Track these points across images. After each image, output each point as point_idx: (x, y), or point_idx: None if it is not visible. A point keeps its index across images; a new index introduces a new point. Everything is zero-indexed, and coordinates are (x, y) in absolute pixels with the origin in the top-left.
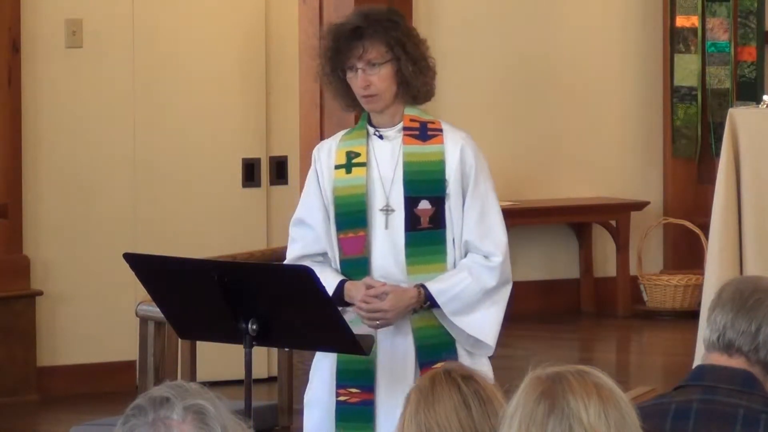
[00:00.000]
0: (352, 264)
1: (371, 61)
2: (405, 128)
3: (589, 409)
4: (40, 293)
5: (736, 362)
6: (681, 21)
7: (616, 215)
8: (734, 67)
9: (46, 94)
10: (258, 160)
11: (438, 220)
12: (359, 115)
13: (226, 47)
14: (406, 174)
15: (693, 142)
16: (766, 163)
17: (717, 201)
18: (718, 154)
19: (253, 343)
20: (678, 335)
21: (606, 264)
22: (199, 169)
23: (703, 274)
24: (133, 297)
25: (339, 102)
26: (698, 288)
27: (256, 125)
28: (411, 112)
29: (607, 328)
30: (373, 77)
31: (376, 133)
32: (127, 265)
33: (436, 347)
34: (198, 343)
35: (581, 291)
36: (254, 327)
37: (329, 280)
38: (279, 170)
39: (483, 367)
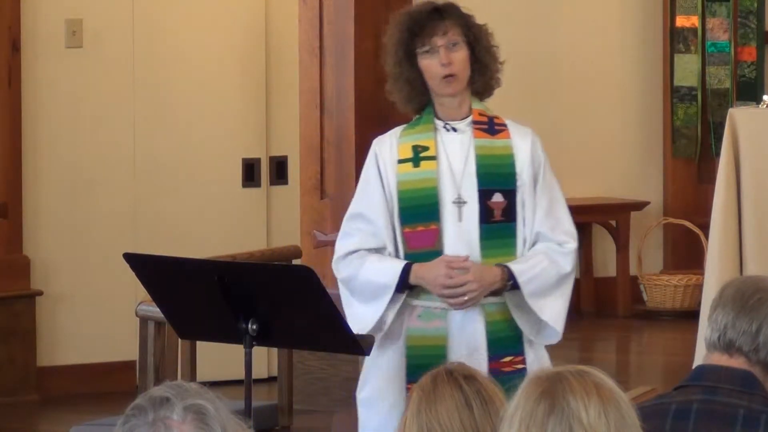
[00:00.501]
0: (421, 258)
1: (452, 41)
2: (474, 122)
3: (589, 409)
4: (40, 293)
5: (737, 362)
6: (681, 21)
7: (616, 215)
8: (734, 67)
9: (46, 94)
10: (258, 160)
11: (510, 213)
12: (412, 114)
13: (226, 47)
14: (479, 167)
15: (693, 142)
16: (766, 163)
17: (717, 201)
18: (718, 154)
19: (253, 343)
20: (678, 335)
21: (606, 264)
22: (199, 169)
23: (703, 274)
24: (133, 297)
25: (404, 95)
26: (698, 288)
27: (256, 125)
28: (477, 106)
29: (607, 328)
30: (454, 56)
31: (447, 126)
32: (127, 265)
33: (505, 341)
34: (198, 343)
35: (581, 291)
36: (254, 327)
37: (391, 264)
38: (279, 170)
39: (544, 358)
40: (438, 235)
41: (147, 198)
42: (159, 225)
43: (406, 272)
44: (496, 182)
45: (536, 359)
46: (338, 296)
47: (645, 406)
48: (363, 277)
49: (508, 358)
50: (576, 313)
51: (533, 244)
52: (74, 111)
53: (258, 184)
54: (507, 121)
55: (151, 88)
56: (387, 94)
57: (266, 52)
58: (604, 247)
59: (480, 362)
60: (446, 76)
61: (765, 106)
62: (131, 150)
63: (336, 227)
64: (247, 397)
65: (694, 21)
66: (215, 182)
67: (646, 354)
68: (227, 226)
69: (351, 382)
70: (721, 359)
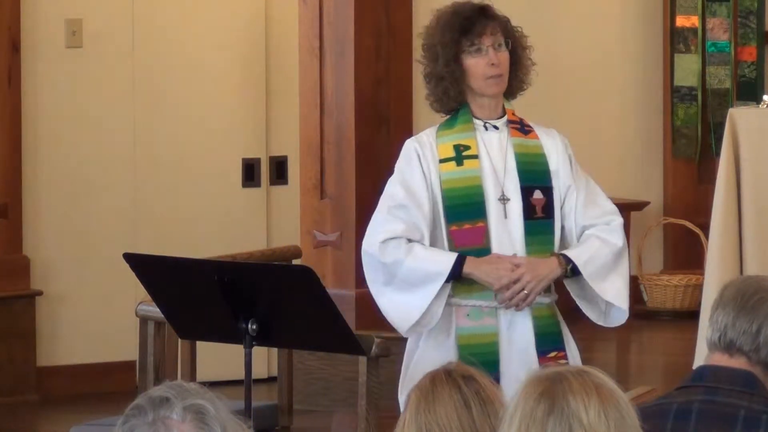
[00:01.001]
0: (477, 255)
1: (498, 41)
2: (510, 121)
3: (589, 409)
4: (40, 293)
5: (737, 362)
6: (681, 21)
7: None
8: (734, 67)
9: (46, 94)
10: (258, 160)
11: (549, 209)
12: (445, 115)
13: (226, 47)
14: (519, 164)
15: (693, 142)
16: (766, 163)
17: (717, 201)
18: (718, 154)
19: (253, 343)
20: (678, 335)
21: None
22: (199, 168)
23: (703, 274)
24: (133, 297)
25: (448, 95)
26: (698, 288)
27: (256, 125)
28: (509, 107)
29: (607, 328)
30: (501, 56)
31: (487, 124)
32: (127, 265)
33: (550, 336)
34: (198, 343)
35: None
36: (254, 327)
37: (442, 253)
38: (279, 170)
39: (576, 352)
40: (486, 232)
41: (147, 198)
42: (159, 225)
43: (459, 263)
44: (536, 179)
45: (571, 355)
46: (338, 296)
47: (646, 407)
48: (412, 263)
49: (553, 354)
50: (576, 313)
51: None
52: (74, 111)
53: (258, 184)
54: (530, 123)
55: (151, 88)
56: (426, 96)
57: (266, 52)
58: None
59: (530, 358)
60: (492, 76)
61: (765, 106)
62: (131, 150)
63: (336, 227)
64: (247, 397)
65: (694, 21)
66: (215, 182)
67: (646, 354)
68: (227, 226)
69: (351, 382)
70: (722, 359)
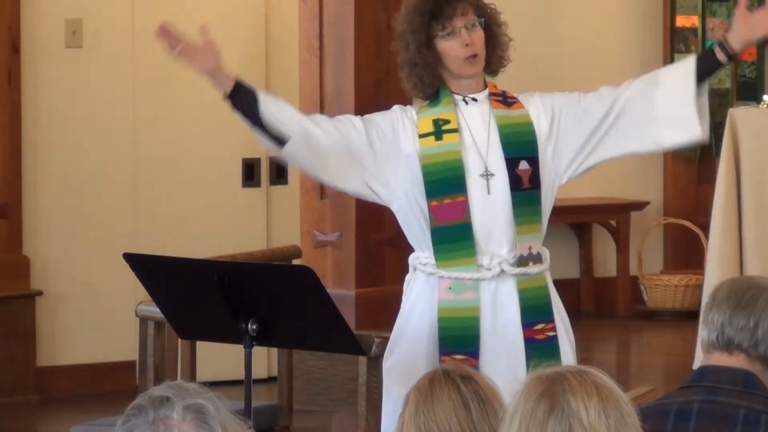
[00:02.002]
0: (451, 230)
1: (470, 21)
2: (492, 94)
3: (589, 409)
4: (40, 293)
5: (737, 360)
6: (681, 21)
7: (616, 215)
8: (734, 67)
9: (46, 94)
10: (258, 160)
11: (535, 179)
12: (423, 101)
13: (226, 47)
14: (502, 136)
15: None
16: (766, 163)
17: (717, 201)
18: (718, 154)
19: (253, 343)
20: (678, 335)
21: (606, 264)
22: (199, 169)
23: (703, 274)
24: (133, 297)
25: (422, 80)
26: (698, 288)
27: None
28: (490, 80)
29: (607, 328)
30: (474, 35)
31: (466, 98)
32: (127, 265)
33: (537, 309)
34: (198, 343)
35: (581, 291)
36: (254, 327)
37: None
38: (279, 170)
39: (567, 324)
40: (466, 207)
41: (147, 198)
42: (159, 225)
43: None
44: (521, 150)
45: (562, 323)
46: (338, 296)
47: (647, 407)
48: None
49: (540, 326)
50: (576, 313)
51: (613, 109)
52: (74, 111)
53: (258, 184)
54: (515, 93)
55: (151, 88)
56: (402, 82)
57: (266, 52)
58: (605, 247)
59: (515, 331)
60: (468, 57)
61: (765, 106)
62: (131, 150)
63: (336, 227)
64: (247, 397)
65: (694, 21)
66: (215, 182)
67: (646, 354)
68: (227, 226)
69: (351, 382)
70: (721, 358)
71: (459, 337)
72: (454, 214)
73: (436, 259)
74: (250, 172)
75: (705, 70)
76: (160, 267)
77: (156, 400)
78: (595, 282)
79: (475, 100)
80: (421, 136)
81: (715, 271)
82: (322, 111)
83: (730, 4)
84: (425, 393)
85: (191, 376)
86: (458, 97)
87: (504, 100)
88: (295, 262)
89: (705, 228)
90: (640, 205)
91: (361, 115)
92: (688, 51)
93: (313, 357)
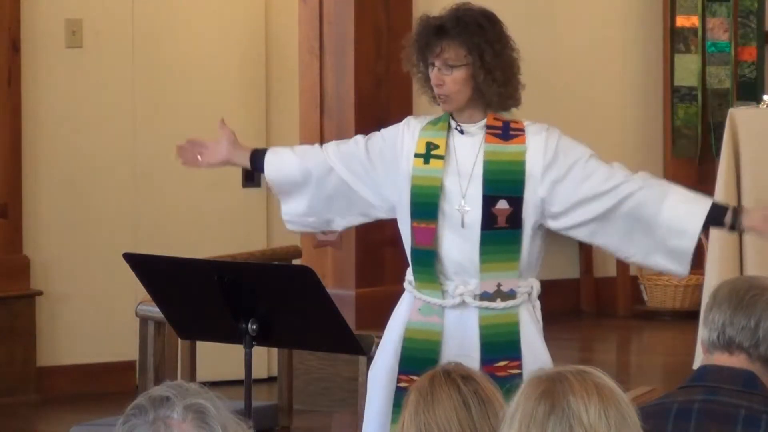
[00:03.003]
0: (422, 254)
1: (447, 62)
2: (488, 126)
3: (589, 409)
4: (40, 293)
5: (738, 360)
6: (681, 21)
7: None
8: (734, 67)
9: (46, 94)
10: None
11: (515, 219)
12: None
13: (226, 47)
14: (486, 172)
15: (693, 142)
16: (766, 163)
17: None
18: (718, 154)
19: (253, 343)
20: (678, 335)
21: (606, 264)
22: (199, 169)
23: (703, 274)
24: (133, 297)
25: (428, 93)
26: (698, 288)
27: (256, 125)
28: (505, 109)
29: (607, 328)
30: (446, 77)
31: (458, 127)
32: (127, 265)
33: (501, 345)
34: (198, 343)
35: (581, 291)
36: (254, 327)
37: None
38: None
39: (543, 358)
40: (435, 234)
41: (147, 198)
42: (159, 225)
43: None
44: (503, 189)
45: (534, 361)
46: (338, 296)
47: (647, 406)
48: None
49: (502, 363)
50: (576, 313)
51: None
52: (74, 111)
53: (258, 184)
54: (525, 125)
55: (151, 88)
56: (402, 82)
57: (266, 52)
58: None
59: (473, 363)
60: (439, 95)
61: (765, 106)
62: (131, 150)
63: None
64: (247, 397)
65: (694, 21)
66: (215, 182)
67: (646, 354)
68: (227, 226)
69: (351, 382)
70: (722, 358)
71: (419, 359)
72: (425, 239)
73: (414, 279)
74: (250, 172)
75: (712, 220)
76: (160, 267)
77: (156, 400)
78: (595, 282)
79: (462, 132)
80: (416, 155)
81: (715, 271)
82: (322, 111)
83: (730, 4)
84: (425, 393)
85: (191, 376)
86: (453, 124)
87: (503, 133)
88: (295, 262)
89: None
90: None
91: (361, 114)
92: (687, 51)
93: (313, 357)
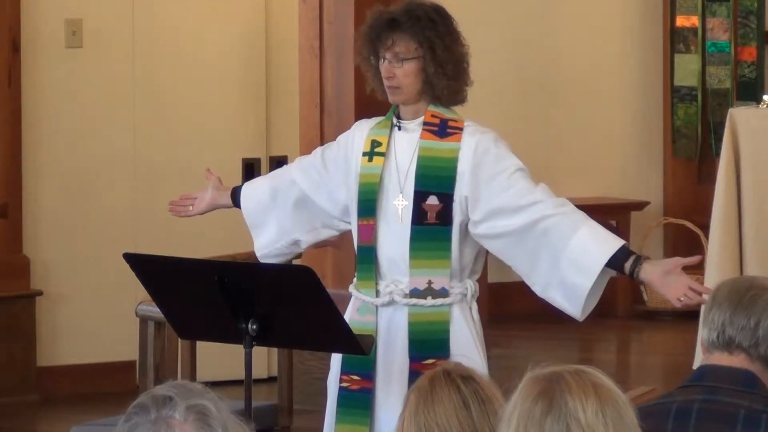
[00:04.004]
0: (364, 251)
1: (398, 55)
2: (425, 123)
3: (586, 409)
4: (40, 293)
5: (738, 360)
6: (681, 21)
7: (616, 215)
8: (734, 67)
9: (46, 94)
10: (258, 160)
11: (445, 216)
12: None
13: (226, 47)
14: (419, 167)
15: (693, 142)
16: (766, 163)
17: (717, 201)
18: (718, 154)
19: (253, 343)
20: (678, 335)
21: None
22: (199, 168)
23: (703, 274)
24: (133, 297)
25: (378, 86)
26: None
27: (256, 125)
28: (435, 108)
29: (607, 328)
30: (397, 70)
31: (397, 124)
32: (127, 265)
33: (430, 343)
34: (198, 343)
35: None
36: (254, 327)
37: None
38: None
39: (475, 361)
40: (374, 231)
41: (147, 198)
42: (159, 225)
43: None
44: (433, 185)
45: (464, 362)
46: (338, 296)
47: (647, 406)
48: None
49: (430, 361)
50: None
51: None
52: (74, 111)
53: None
54: (466, 124)
55: (151, 88)
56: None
57: (266, 52)
58: None
59: (402, 361)
60: (389, 87)
61: (765, 106)
62: (131, 150)
63: None
64: (247, 397)
65: (694, 21)
66: None
67: (646, 354)
68: (227, 226)
69: None
70: (722, 358)
71: (357, 359)
72: (365, 237)
73: (356, 278)
74: (250, 172)
75: (615, 261)
76: (160, 267)
77: (159, 399)
78: None
79: (400, 128)
80: (363, 154)
81: (715, 271)
82: (322, 111)
83: (730, 4)
84: (425, 393)
85: (191, 376)
86: (395, 120)
87: (440, 130)
88: (295, 262)
89: (705, 228)
90: (640, 205)
91: (361, 114)
92: (687, 51)
93: (313, 357)
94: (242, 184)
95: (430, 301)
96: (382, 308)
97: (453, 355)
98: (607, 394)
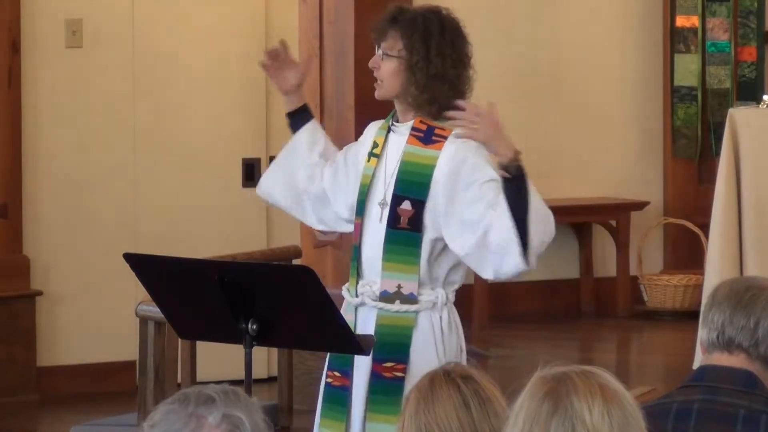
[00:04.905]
0: (353, 250)
1: (384, 51)
2: (413, 128)
3: (592, 410)
4: (40, 293)
5: (737, 360)
6: (681, 21)
7: (616, 215)
8: (734, 67)
9: (46, 94)
10: (258, 160)
11: (416, 222)
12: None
13: (226, 47)
14: (399, 172)
15: (693, 142)
16: (766, 163)
17: (717, 201)
18: (718, 154)
19: (253, 343)
20: (678, 335)
21: (606, 264)
22: (199, 169)
23: (703, 274)
24: (133, 297)
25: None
26: (698, 288)
27: (256, 125)
28: (422, 115)
29: (607, 328)
30: (382, 64)
31: (392, 126)
32: (127, 265)
33: (391, 347)
34: (198, 343)
35: (581, 291)
36: (254, 327)
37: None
38: None
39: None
40: (360, 230)
41: (147, 198)
42: (159, 225)
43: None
44: (408, 190)
45: (421, 370)
46: (338, 296)
47: (647, 406)
48: None
49: (389, 364)
50: (576, 313)
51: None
52: (74, 111)
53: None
54: (453, 133)
55: (151, 89)
56: None
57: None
58: (604, 247)
59: (367, 361)
60: (376, 79)
61: (765, 106)
62: (131, 150)
63: None
64: None
65: (694, 21)
66: (215, 182)
67: (646, 354)
68: (227, 226)
69: None
70: (722, 358)
71: (341, 356)
72: (354, 235)
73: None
74: (250, 172)
75: (511, 199)
76: (160, 267)
77: (202, 396)
78: (595, 282)
79: (391, 131)
80: (367, 154)
81: (715, 271)
82: (322, 111)
83: (730, 4)
84: (425, 393)
85: (191, 376)
86: (391, 123)
87: (426, 137)
88: (295, 262)
89: (705, 228)
90: (640, 205)
91: (361, 114)
92: (687, 51)
93: (313, 357)
94: (308, 114)
95: (396, 306)
96: (359, 308)
97: (411, 362)
98: (613, 395)
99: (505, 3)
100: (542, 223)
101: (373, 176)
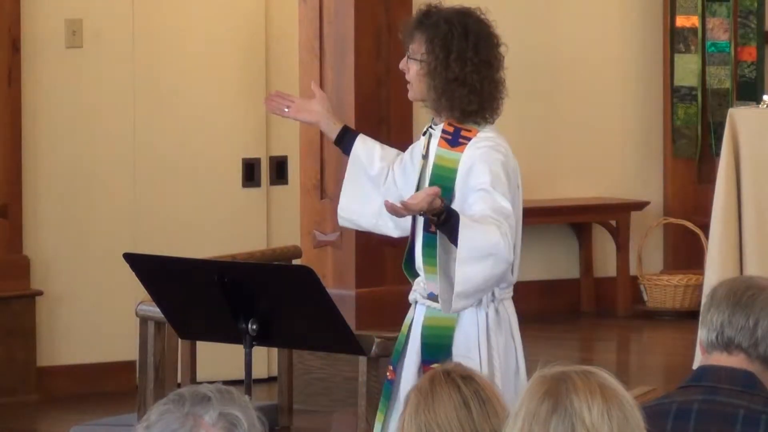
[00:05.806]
0: (408, 249)
1: (410, 54)
2: (442, 130)
3: (592, 409)
4: (40, 293)
5: (737, 360)
6: (681, 21)
7: (616, 215)
8: (734, 67)
9: (46, 94)
10: (258, 160)
11: None
12: None
13: (226, 47)
14: (433, 176)
15: (693, 142)
16: (766, 163)
17: (717, 201)
18: (718, 154)
19: (253, 343)
20: (678, 335)
21: (606, 264)
22: (199, 168)
23: (703, 274)
24: (133, 297)
25: None
26: (698, 288)
27: (256, 125)
28: (449, 118)
29: (607, 328)
30: (410, 66)
31: (431, 127)
32: (127, 265)
33: (437, 348)
34: (198, 343)
35: (581, 291)
36: (254, 327)
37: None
38: (279, 170)
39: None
40: (413, 230)
41: (147, 198)
42: (159, 225)
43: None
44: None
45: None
46: (338, 296)
47: (647, 406)
48: None
49: (435, 365)
50: (576, 313)
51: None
52: (74, 111)
53: (258, 184)
54: (478, 135)
55: (151, 88)
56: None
57: (266, 52)
58: (604, 247)
59: (416, 360)
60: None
61: (765, 106)
62: (131, 150)
63: (336, 227)
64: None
65: (694, 21)
66: (215, 182)
67: (646, 354)
68: (227, 226)
69: (351, 382)
70: (721, 358)
71: (396, 352)
72: (411, 235)
73: None
74: (250, 172)
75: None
76: (160, 267)
77: (197, 395)
78: (595, 282)
79: (424, 134)
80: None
81: (715, 271)
82: None
83: (730, 4)
84: (426, 393)
85: (191, 376)
86: (431, 124)
87: (453, 140)
88: (295, 262)
89: (705, 228)
90: (640, 205)
91: (361, 114)
92: (687, 51)
93: (313, 357)
94: (353, 131)
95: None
96: (415, 305)
97: (455, 356)
98: (613, 395)
99: (504, 4)
100: (478, 262)
101: (420, 176)
